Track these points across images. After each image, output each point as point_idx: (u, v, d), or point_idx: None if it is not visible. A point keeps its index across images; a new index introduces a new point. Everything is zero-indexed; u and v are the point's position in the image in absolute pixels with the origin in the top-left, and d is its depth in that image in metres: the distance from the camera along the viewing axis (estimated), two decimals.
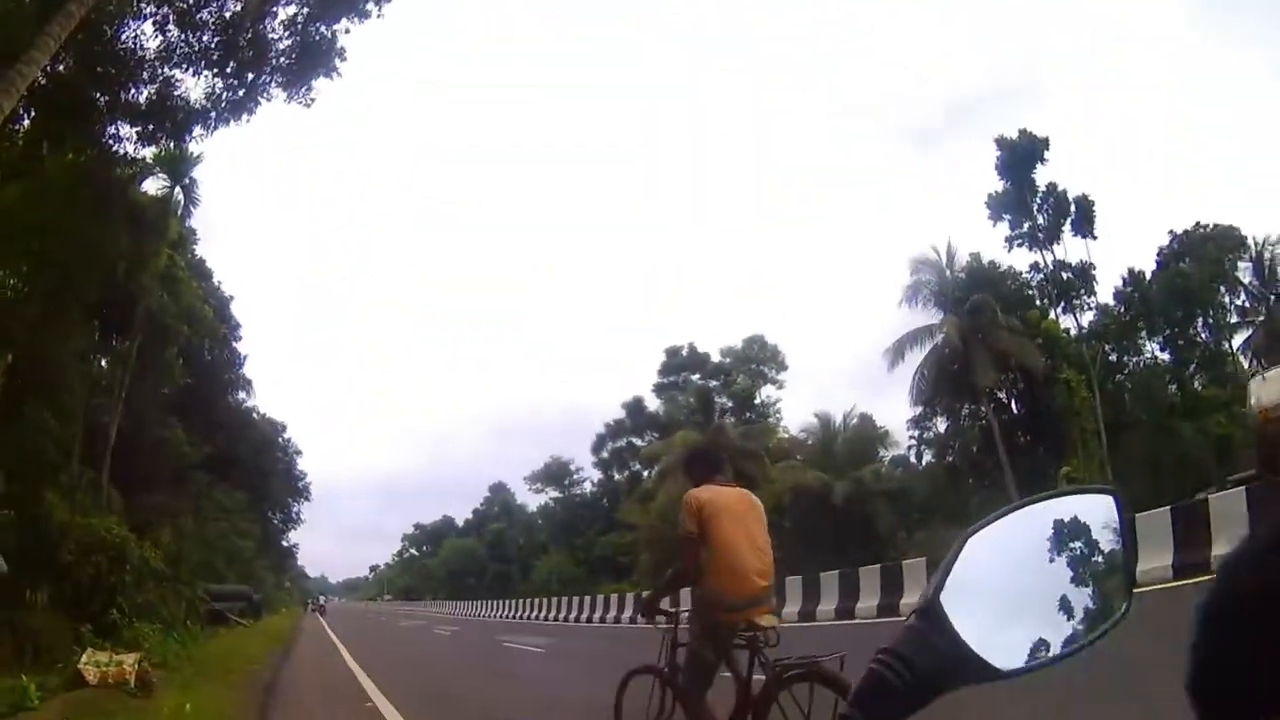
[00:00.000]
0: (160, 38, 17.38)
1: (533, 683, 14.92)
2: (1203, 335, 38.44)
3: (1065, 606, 0.75)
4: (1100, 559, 0.76)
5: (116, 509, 21.70)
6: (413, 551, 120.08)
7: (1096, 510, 0.79)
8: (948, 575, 0.72)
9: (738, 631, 4.73)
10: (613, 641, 21.35)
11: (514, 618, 41.19)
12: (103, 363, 25.75)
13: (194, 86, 18.19)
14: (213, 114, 18.53)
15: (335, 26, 18.45)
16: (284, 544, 67.17)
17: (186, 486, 31.42)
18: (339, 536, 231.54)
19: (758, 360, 57.85)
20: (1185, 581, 9.34)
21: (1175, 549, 10.27)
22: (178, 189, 29.03)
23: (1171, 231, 39.48)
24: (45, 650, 15.39)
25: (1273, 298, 35.79)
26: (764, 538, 4.98)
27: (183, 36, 17.28)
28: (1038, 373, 35.08)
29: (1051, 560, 0.76)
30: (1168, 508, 11.34)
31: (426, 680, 15.19)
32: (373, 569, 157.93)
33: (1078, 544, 0.75)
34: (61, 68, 16.02)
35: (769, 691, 4.40)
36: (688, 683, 4.97)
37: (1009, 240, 39.00)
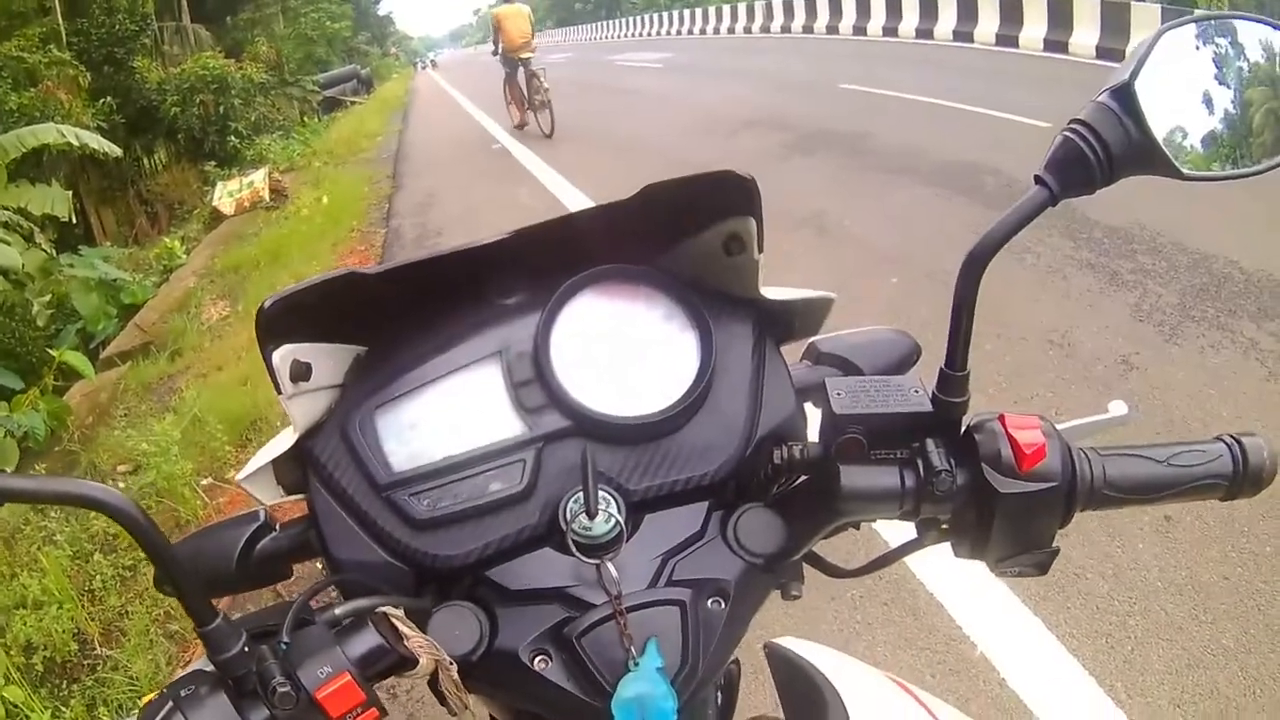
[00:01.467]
0: None
1: (652, 96, 15.58)
2: None
3: (1238, 133, 0.69)
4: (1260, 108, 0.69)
5: (206, 44, 21.54)
6: None
7: None
8: (1144, 61, 0.63)
9: (517, 58, 12.05)
10: (725, 52, 22.17)
11: (626, 37, 41.87)
12: None
13: None
14: None
15: None
16: (379, 13, 67.98)
17: None
18: None
19: None
20: None
21: None
22: None
23: None
24: (179, 205, 15.98)
25: None
26: (526, 27, 12.42)
27: None
28: None
29: (1243, 84, 0.70)
30: None
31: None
32: (475, 12, 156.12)
33: (1267, 89, 0.70)
34: None
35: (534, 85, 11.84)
36: (507, 79, 12.83)
37: None
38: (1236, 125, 0.70)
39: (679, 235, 0.75)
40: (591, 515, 0.62)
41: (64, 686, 2.91)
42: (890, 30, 18.92)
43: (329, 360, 0.72)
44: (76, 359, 5.60)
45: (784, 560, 0.68)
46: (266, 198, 11.45)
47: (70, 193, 10.38)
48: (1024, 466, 0.61)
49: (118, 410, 5.47)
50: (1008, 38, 14.58)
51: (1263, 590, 2.53)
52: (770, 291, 0.76)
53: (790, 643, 0.85)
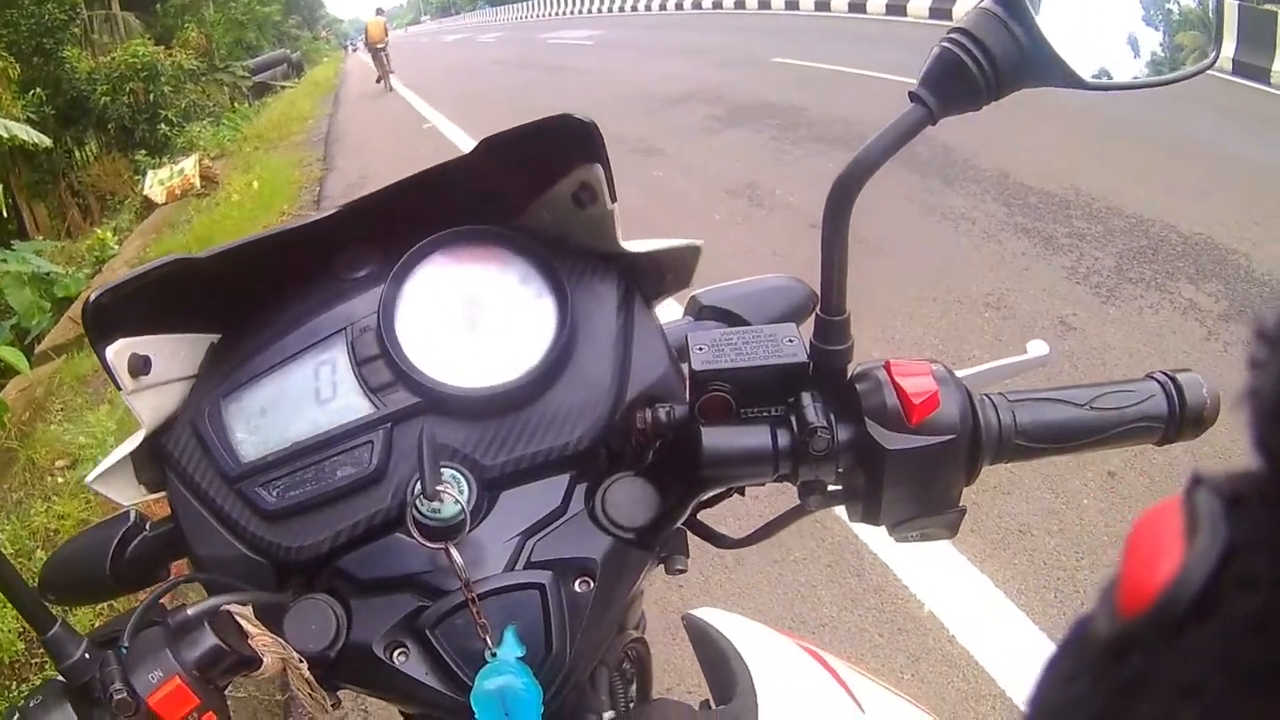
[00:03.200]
0: None
1: (583, 73, 15.32)
2: None
3: (1135, 43, 0.65)
4: (1175, 9, 0.67)
5: (136, 32, 21.24)
6: None
7: None
8: None
9: (375, 48, 18.56)
10: (657, 29, 21.76)
11: (557, 15, 41.42)
12: None
13: None
14: None
15: None
16: None
17: None
18: None
19: None
20: (1243, 80, 8.96)
21: (1238, 44, 9.76)
22: None
23: None
24: (110, 196, 15.80)
25: None
26: (380, 32, 18.52)
27: None
28: None
29: None
30: (1236, 1, 10.62)
31: (474, 88, 15.65)
32: None
33: None
34: None
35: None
36: (373, 58, 18.48)
37: None
38: (1146, 28, 0.66)
39: (532, 192, 0.71)
40: (430, 497, 0.58)
41: (13, 687, 2.83)
42: (823, 5, 19.00)
43: (179, 351, 0.69)
44: (11, 354, 5.46)
45: (659, 533, 0.64)
46: (198, 185, 11.20)
47: (1, 187, 10.09)
48: (914, 418, 0.56)
49: (54, 404, 5.33)
50: (941, 10, 14.67)
51: None
52: (633, 245, 0.71)
53: (706, 613, 0.84)
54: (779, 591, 2.56)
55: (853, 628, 2.40)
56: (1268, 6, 11.26)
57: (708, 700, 0.78)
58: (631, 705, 0.73)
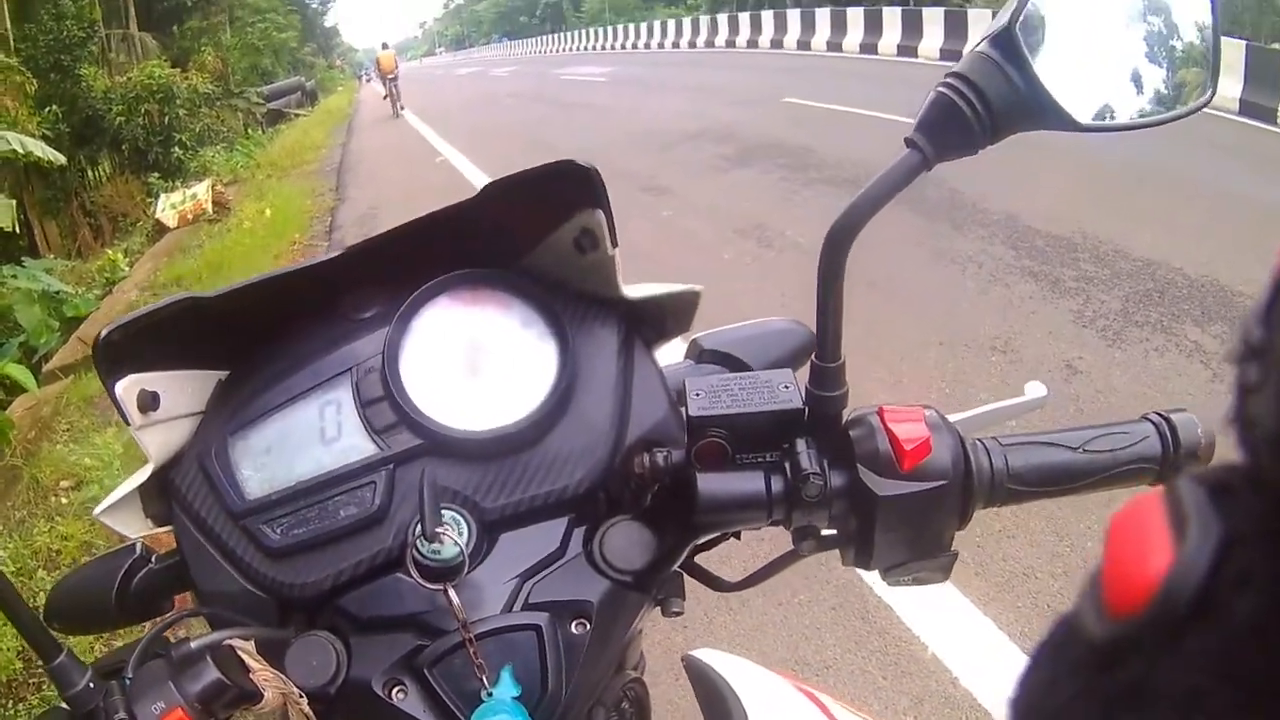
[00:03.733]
0: None
1: (595, 109, 15.34)
2: None
3: (1139, 80, 0.65)
4: (1179, 45, 0.67)
5: (152, 53, 21.48)
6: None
7: None
8: (1025, 4, 0.58)
9: (386, 78, 20.84)
10: (669, 67, 22.09)
11: (571, 51, 42.18)
12: None
13: None
14: None
15: None
16: (325, 24, 68.66)
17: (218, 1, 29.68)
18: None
19: None
20: (1250, 120, 9.08)
21: (1245, 84, 9.92)
22: None
23: None
24: (122, 217, 15.83)
25: None
26: (391, 64, 20.68)
27: None
28: None
29: (1130, 30, 0.66)
30: (1244, 41, 10.92)
31: (487, 121, 15.81)
32: (421, 25, 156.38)
33: (1158, 20, 0.66)
34: None
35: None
36: (385, 86, 21.18)
37: None
38: (1141, 69, 0.66)
39: (535, 236, 0.71)
40: (430, 538, 0.59)
41: (9, 706, 2.82)
42: (835, 45, 19.23)
43: (187, 387, 0.70)
44: (19, 372, 5.48)
45: (656, 576, 0.64)
46: (209, 210, 11.23)
47: (14, 202, 10.16)
48: (906, 465, 0.57)
49: (60, 424, 5.34)
50: (951, 52, 14.81)
51: None
52: (632, 290, 0.72)
53: (705, 654, 0.84)
54: (783, 634, 2.54)
55: (856, 670, 2.38)
56: (1275, 46, 11.37)
57: None
58: None
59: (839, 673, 2.38)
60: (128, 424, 0.65)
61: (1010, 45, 0.58)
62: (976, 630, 2.46)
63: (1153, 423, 0.60)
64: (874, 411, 0.60)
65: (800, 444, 0.60)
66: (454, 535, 0.60)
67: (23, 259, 10.95)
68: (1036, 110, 0.58)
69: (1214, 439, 0.59)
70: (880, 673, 2.36)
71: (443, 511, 0.62)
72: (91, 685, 0.56)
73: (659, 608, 0.68)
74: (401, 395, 0.67)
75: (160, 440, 0.68)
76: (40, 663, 0.58)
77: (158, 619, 0.70)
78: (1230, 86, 9.88)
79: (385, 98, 21.06)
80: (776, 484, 0.60)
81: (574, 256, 0.70)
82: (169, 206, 11.82)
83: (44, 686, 2.85)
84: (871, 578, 2.64)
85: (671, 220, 7.02)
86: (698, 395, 0.62)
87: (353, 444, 0.66)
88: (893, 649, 2.43)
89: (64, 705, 0.57)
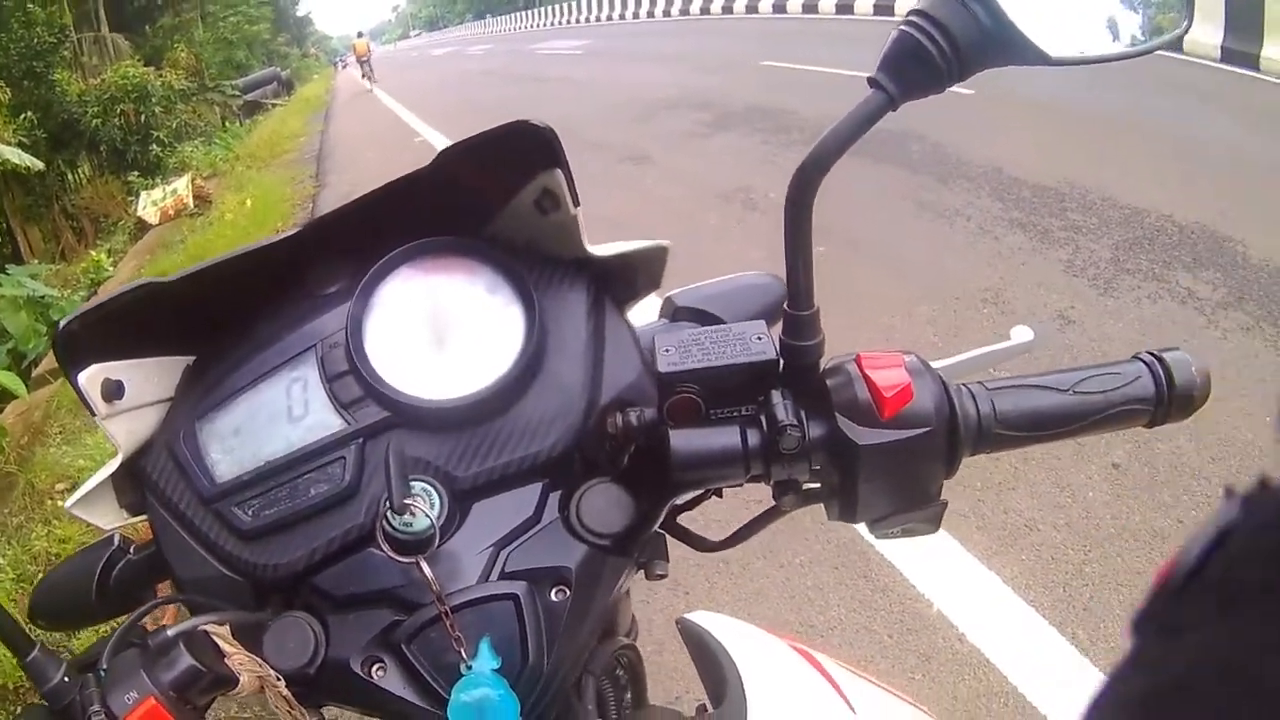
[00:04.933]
0: None
1: (572, 82, 15.26)
2: None
3: (1114, 10, 0.64)
4: None
5: (125, 54, 21.55)
6: None
7: None
8: None
9: (360, 60, 24.12)
10: (646, 37, 21.78)
11: (546, 26, 41.88)
12: None
13: None
14: None
15: None
16: (297, 14, 68.33)
17: None
18: None
19: None
20: (1232, 68, 8.87)
21: (1226, 31, 9.62)
22: None
23: None
24: (104, 218, 15.86)
25: None
26: (365, 49, 24.70)
27: None
28: None
29: None
30: None
31: (464, 100, 15.78)
32: (394, 9, 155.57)
33: None
34: None
35: None
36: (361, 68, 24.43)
37: None
38: (1103, 8, 0.65)
39: (496, 201, 0.70)
40: (399, 511, 0.58)
41: (11, 713, 2.81)
42: (810, 7, 19.08)
43: (153, 374, 0.69)
44: (8, 378, 5.44)
45: (635, 538, 0.63)
46: (191, 204, 11.24)
47: None
48: (886, 412, 0.55)
49: (52, 428, 5.33)
50: None
51: None
52: (599, 249, 0.71)
53: (700, 616, 0.83)
54: (786, 596, 2.54)
55: (861, 629, 2.38)
56: None
57: (704, 704, 0.77)
58: (627, 711, 0.72)
59: (844, 633, 2.38)
60: (93, 414, 0.64)
61: None
62: (981, 585, 2.46)
63: (1145, 362, 0.59)
64: (851, 359, 0.58)
65: (776, 395, 0.58)
66: (424, 507, 0.59)
67: (6, 266, 10.94)
68: (1004, 45, 0.57)
69: (1208, 376, 0.58)
70: (886, 631, 2.36)
71: (412, 483, 0.61)
72: (67, 679, 0.55)
73: (642, 571, 0.67)
74: (366, 368, 0.65)
75: (128, 429, 0.67)
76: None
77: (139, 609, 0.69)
78: (1211, 33, 9.85)
79: (363, 77, 24.74)
80: (753, 438, 0.58)
81: (537, 219, 0.69)
82: (150, 204, 11.83)
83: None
84: (873, 536, 2.65)
85: (654, 188, 6.99)
86: (667, 351, 0.61)
87: (320, 420, 0.65)
88: (897, 607, 2.43)
89: (43, 702, 0.56)
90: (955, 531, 2.64)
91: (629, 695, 0.75)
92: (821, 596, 2.52)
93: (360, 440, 0.64)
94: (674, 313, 0.77)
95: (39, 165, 10.17)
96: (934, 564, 2.54)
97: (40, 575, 3.30)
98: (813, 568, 2.61)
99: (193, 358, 0.72)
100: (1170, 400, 0.57)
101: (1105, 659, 2.19)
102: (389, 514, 0.58)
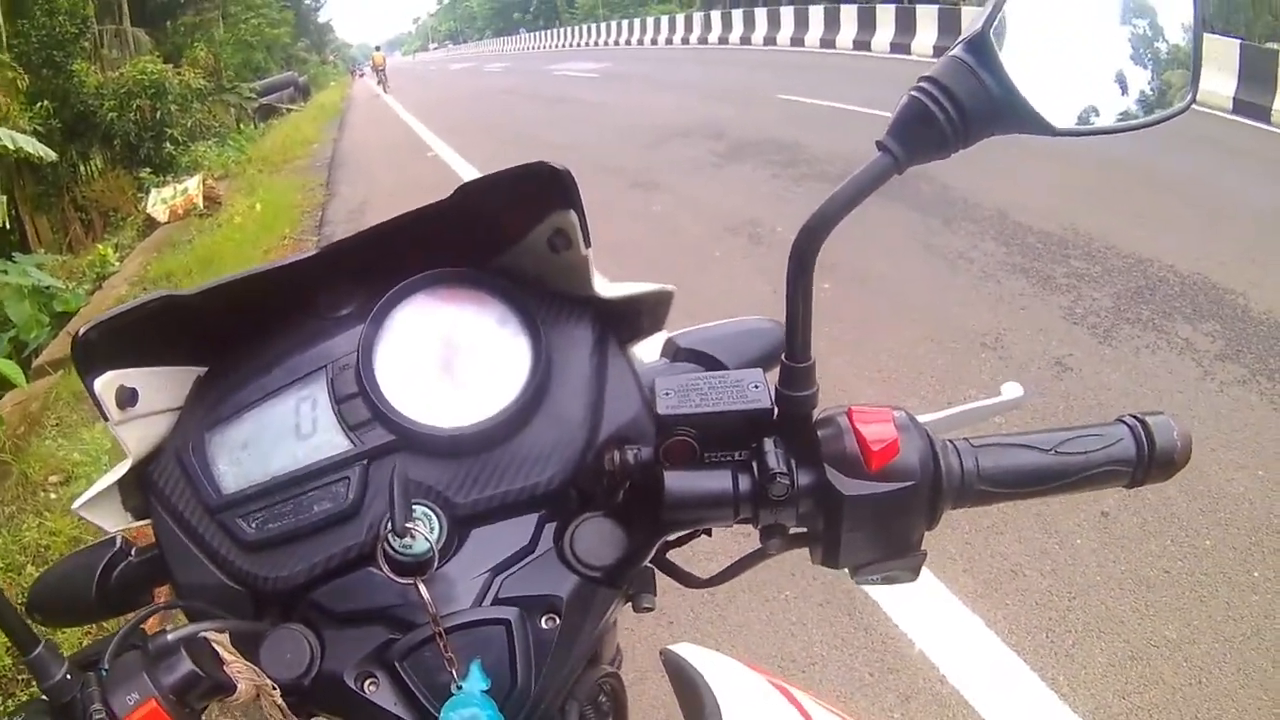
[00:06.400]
0: None
1: (587, 105, 15.30)
2: None
3: (1121, 82, 0.65)
4: (1164, 47, 0.66)
5: (145, 49, 21.29)
6: None
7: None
8: (1000, 8, 0.58)
9: (378, 70, 32.06)
10: (663, 63, 22.04)
11: (565, 47, 42.38)
12: None
13: None
14: None
15: None
16: (319, 21, 68.45)
17: None
18: None
19: None
20: (1244, 119, 9.06)
21: (1239, 83, 9.96)
22: None
23: None
24: (113, 212, 15.91)
25: None
26: (382, 62, 32.65)
27: None
28: None
29: (1112, 32, 0.65)
30: (1238, 40, 11.08)
31: (478, 118, 15.87)
32: (415, 20, 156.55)
33: (1143, 23, 0.66)
34: None
35: None
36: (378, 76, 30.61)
37: None
38: (1121, 73, 0.66)
39: (509, 236, 0.72)
40: (400, 534, 0.59)
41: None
42: (828, 42, 19.26)
43: (166, 383, 0.70)
44: (9, 367, 5.46)
45: (625, 571, 0.65)
46: (200, 205, 11.21)
47: (5, 198, 10.15)
48: (873, 465, 0.57)
49: (49, 420, 5.34)
50: (945, 49, 14.82)
51: (1204, 582, 2.59)
52: (606, 289, 0.73)
53: (683, 649, 0.84)
54: (770, 631, 2.54)
55: (843, 667, 2.38)
56: (1269, 45, 11.40)
57: None
58: None
59: (826, 669, 2.39)
60: (106, 420, 0.65)
61: (984, 49, 0.58)
62: (964, 628, 2.47)
63: (1128, 425, 0.60)
64: (843, 412, 0.60)
65: (768, 443, 0.60)
66: (424, 531, 0.61)
67: (13, 254, 10.94)
68: (1010, 114, 0.59)
69: (1190, 442, 0.59)
70: (867, 669, 2.36)
71: (414, 507, 0.63)
72: (69, 677, 0.56)
73: (630, 603, 0.69)
74: (375, 392, 0.67)
75: (138, 435, 0.68)
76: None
77: (137, 611, 0.71)
78: (1224, 85, 9.94)
79: (379, 84, 29.19)
80: (744, 483, 0.60)
81: (548, 256, 0.71)
82: (160, 201, 11.77)
83: (32, 683, 2.83)
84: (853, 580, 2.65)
85: (662, 216, 7.01)
86: (667, 394, 0.63)
87: (327, 440, 0.66)
88: (880, 646, 2.44)
89: (44, 697, 0.58)
90: (941, 573, 2.64)
91: None
92: (805, 632, 2.52)
93: (365, 461, 0.65)
94: (675, 353, 0.79)
95: (51, 155, 10.16)
96: (918, 604, 2.55)
97: (29, 566, 3.31)
98: (797, 603, 2.61)
99: (203, 370, 0.73)
100: (1151, 463, 0.59)
101: (1084, 705, 2.20)
102: (390, 535, 0.60)
